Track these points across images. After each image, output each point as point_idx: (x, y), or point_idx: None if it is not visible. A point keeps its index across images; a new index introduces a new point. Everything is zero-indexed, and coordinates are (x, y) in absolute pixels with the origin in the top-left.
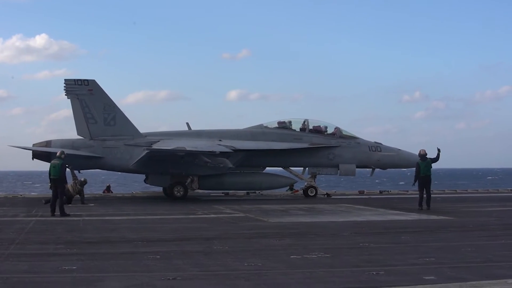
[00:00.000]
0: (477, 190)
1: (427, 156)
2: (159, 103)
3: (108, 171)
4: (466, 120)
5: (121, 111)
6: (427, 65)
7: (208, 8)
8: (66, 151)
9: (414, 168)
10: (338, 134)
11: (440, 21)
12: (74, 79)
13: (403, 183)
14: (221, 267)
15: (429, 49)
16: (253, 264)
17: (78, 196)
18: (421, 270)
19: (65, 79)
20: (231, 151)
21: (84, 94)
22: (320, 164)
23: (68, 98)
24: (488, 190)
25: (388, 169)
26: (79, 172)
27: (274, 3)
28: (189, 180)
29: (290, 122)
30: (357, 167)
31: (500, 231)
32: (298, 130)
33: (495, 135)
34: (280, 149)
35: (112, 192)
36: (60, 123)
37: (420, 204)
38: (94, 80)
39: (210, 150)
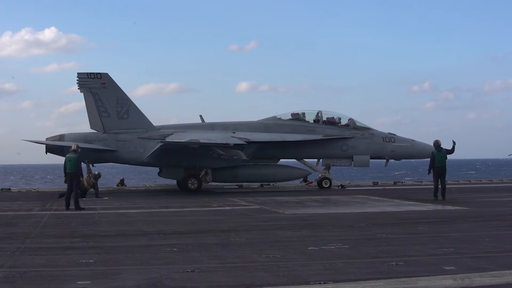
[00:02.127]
0: (492, 180)
1: (442, 147)
2: (169, 96)
3: (122, 165)
4: (476, 110)
5: (134, 104)
6: (436, 56)
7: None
8: (80, 144)
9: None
10: (352, 125)
11: (448, 11)
12: (87, 73)
13: (397, 173)
14: (240, 259)
15: (437, 39)
16: (271, 255)
17: (92, 189)
18: (440, 260)
19: (78, 73)
20: (245, 143)
21: (97, 88)
22: (334, 156)
23: (81, 91)
24: (502, 180)
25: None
26: (93, 166)
27: None
28: (203, 172)
29: (303, 113)
30: (371, 158)
31: None
32: (312, 121)
33: (506, 125)
34: (294, 141)
35: (125, 185)
36: (70, 116)
37: (436, 195)
38: (107, 74)
39: (224, 142)
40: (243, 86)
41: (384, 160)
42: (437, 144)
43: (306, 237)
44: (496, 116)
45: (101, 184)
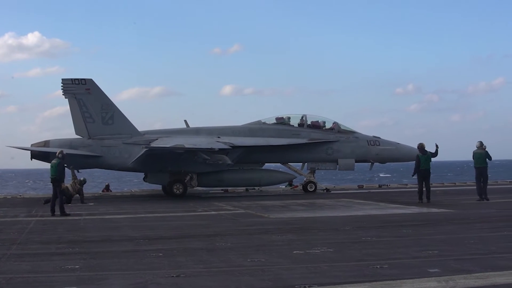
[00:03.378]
0: (466, 182)
1: (426, 150)
2: (153, 99)
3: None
4: (460, 112)
5: (119, 110)
6: (419, 58)
7: (198, 3)
8: (65, 150)
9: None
10: (336, 129)
11: (431, 12)
12: (71, 79)
13: (383, 174)
14: (225, 263)
15: (421, 41)
16: (256, 260)
17: (77, 195)
18: (425, 262)
19: (62, 79)
20: (230, 147)
21: (82, 93)
22: (319, 159)
23: (65, 97)
24: (497, 181)
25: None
26: (78, 172)
27: None
28: (188, 177)
29: (288, 118)
30: (356, 162)
31: (502, 223)
32: (297, 125)
33: (490, 127)
34: (278, 145)
35: (111, 191)
36: (54, 121)
37: (420, 197)
38: (91, 79)
39: (209, 147)
40: (227, 89)
41: (369, 163)
42: (421, 147)
43: (291, 241)
44: (481, 118)
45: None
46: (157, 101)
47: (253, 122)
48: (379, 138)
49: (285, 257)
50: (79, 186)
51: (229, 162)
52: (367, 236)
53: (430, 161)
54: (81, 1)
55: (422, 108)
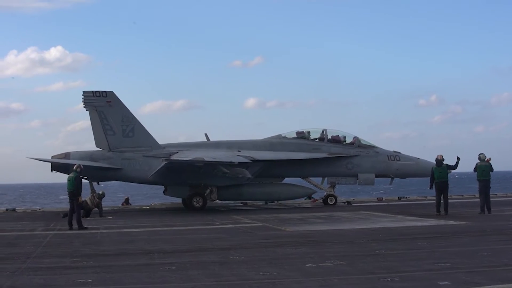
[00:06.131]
0: (496, 194)
1: (444, 162)
2: (176, 113)
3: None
4: (483, 123)
5: (140, 123)
6: (442, 69)
7: (218, 15)
8: (85, 163)
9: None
10: (356, 143)
11: (453, 24)
12: (92, 91)
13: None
14: (236, 276)
15: (442, 52)
16: (268, 273)
17: (96, 209)
18: (436, 275)
19: (83, 91)
20: (250, 161)
21: (103, 106)
22: (339, 174)
23: (86, 110)
24: (506, 194)
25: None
26: (98, 184)
27: (284, 9)
28: (208, 191)
29: (308, 132)
30: (376, 176)
31: None
32: (317, 140)
33: None
34: (299, 159)
35: (130, 204)
36: (77, 135)
37: (438, 210)
38: (112, 92)
39: (229, 160)
40: (250, 102)
41: (389, 178)
42: (437, 159)
43: (305, 254)
44: (504, 128)
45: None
46: (180, 115)
47: (274, 136)
48: (400, 153)
49: (297, 270)
50: (97, 200)
51: (249, 175)
52: (381, 248)
53: (447, 173)
54: (103, 15)
55: (446, 119)
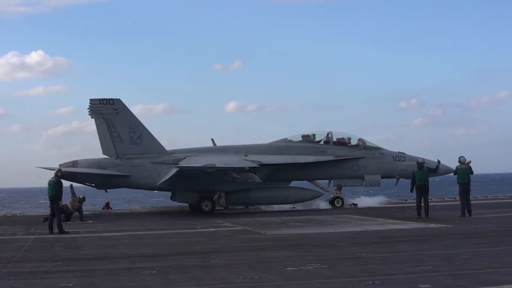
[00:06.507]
0: (476, 197)
1: (425, 165)
2: (157, 117)
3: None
4: (464, 126)
5: (147, 129)
6: (422, 72)
7: (199, 19)
8: (93, 170)
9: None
10: (362, 145)
11: (433, 26)
12: (99, 99)
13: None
14: (217, 280)
15: (423, 55)
16: (249, 277)
17: (77, 213)
18: (417, 278)
19: (90, 99)
20: (258, 166)
21: (110, 113)
22: (345, 176)
23: (91, 117)
24: (487, 196)
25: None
26: (106, 191)
27: (264, 13)
28: (216, 196)
29: (314, 135)
30: (382, 178)
31: (499, 238)
32: (322, 142)
33: (495, 140)
34: (305, 162)
35: (111, 208)
36: (57, 139)
37: (419, 213)
38: (119, 99)
39: (240, 166)
40: (231, 105)
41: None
42: (418, 162)
43: (286, 257)
44: (485, 131)
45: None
46: (161, 118)
47: (279, 140)
48: (404, 153)
49: (278, 274)
50: (78, 204)
51: (258, 180)
52: (362, 252)
53: (428, 176)
54: (84, 19)
55: (426, 122)
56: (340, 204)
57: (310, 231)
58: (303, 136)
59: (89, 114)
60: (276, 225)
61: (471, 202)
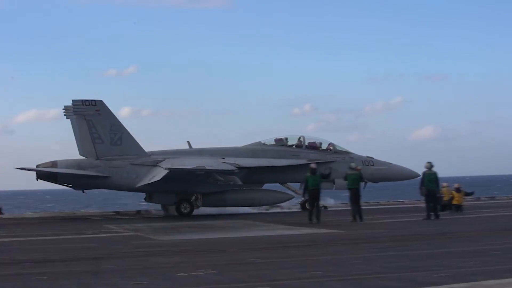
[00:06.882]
0: (368, 202)
1: (317, 171)
2: (50, 122)
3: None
4: (357, 131)
5: (128, 131)
6: (317, 78)
7: (93, 24)
8: (73, 171)
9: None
10: (333, 149)
11: (326, 33)
12: (82, 100)
13: None
14: (108, 286)
15: (317, 62)
16: (139, 282)
17: None
18: (308, 284)
19: (72, 100)
20: (236, 169)
21: (92, 115)
22: None
23: (67, 118)
24: (379, 202)
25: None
26: (83, 192)
27: (159, 18)
28: (193, 197)
29: (286, 139)
30: None
31: (389, 243)
32: (295, 146)
33: (388, 146)
34: (280, 165)
35: (3, 213)
36: None
37: (310, 218)
38: (101, 101)
39: (230, 169)
40: (125, 110)
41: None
42: (311, 167)
43: (177, 263)
44: (378, 137)
45: None
46: (54, 123)
47: (254, 143)
48: (373, 158)
49: (169, 280)
50: None
51: (240, 182)
52: (253, 257)
53: (320, 181)
54: None
55: (320, 127)
56: None
57: (202, 236)
58: (276, 140)
59: (64, 115)
60: (168, 230)
61: (362, 208)
